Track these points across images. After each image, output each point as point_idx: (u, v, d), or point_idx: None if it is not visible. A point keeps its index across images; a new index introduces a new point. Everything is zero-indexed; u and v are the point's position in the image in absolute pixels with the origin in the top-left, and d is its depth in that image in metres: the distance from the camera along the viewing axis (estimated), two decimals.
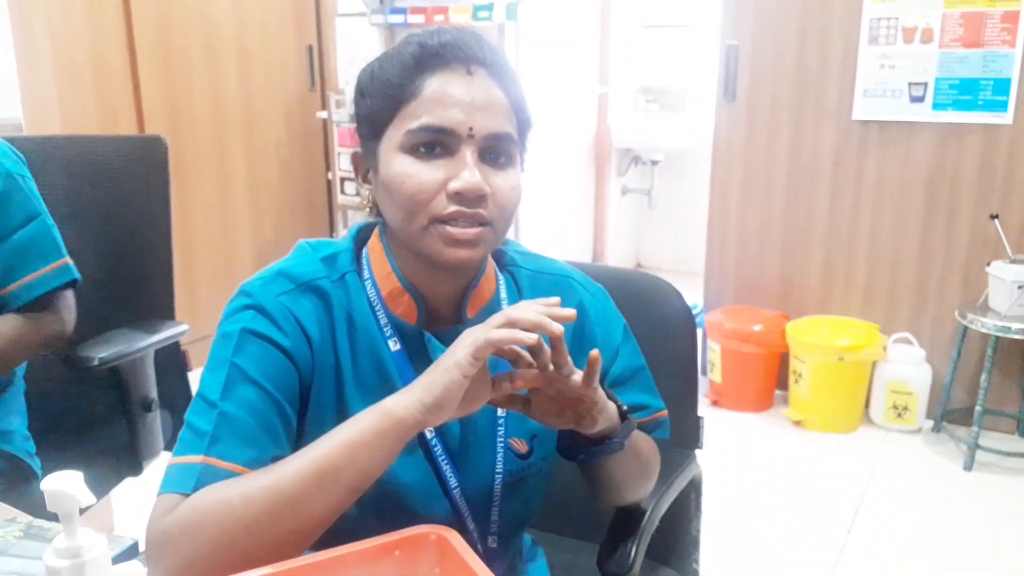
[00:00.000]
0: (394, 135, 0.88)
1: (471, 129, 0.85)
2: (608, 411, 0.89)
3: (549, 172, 4.28)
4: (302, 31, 3.86)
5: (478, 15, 3.61)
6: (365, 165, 0.94)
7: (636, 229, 5.23)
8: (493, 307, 0.96)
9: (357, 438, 0.80)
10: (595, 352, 0.82)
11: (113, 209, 1.75)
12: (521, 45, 3.75)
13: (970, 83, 2.83)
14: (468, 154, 0.86)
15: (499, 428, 0.96)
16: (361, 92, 0.92)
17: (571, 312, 0.81)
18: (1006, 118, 2.80)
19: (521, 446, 0.98)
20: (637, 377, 1.03)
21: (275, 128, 3.79)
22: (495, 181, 0.87)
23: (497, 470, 0.97)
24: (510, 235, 1.01)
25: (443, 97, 0.86)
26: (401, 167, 0.87)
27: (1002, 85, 2.79)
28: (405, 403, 0.80)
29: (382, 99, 0.89)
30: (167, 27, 3.26)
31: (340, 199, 4.00)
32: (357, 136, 0.94)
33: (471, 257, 0.87)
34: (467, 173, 0.85)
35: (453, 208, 0.85)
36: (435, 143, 0.86)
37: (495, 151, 0.88)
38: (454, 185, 0.85)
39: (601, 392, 0.87)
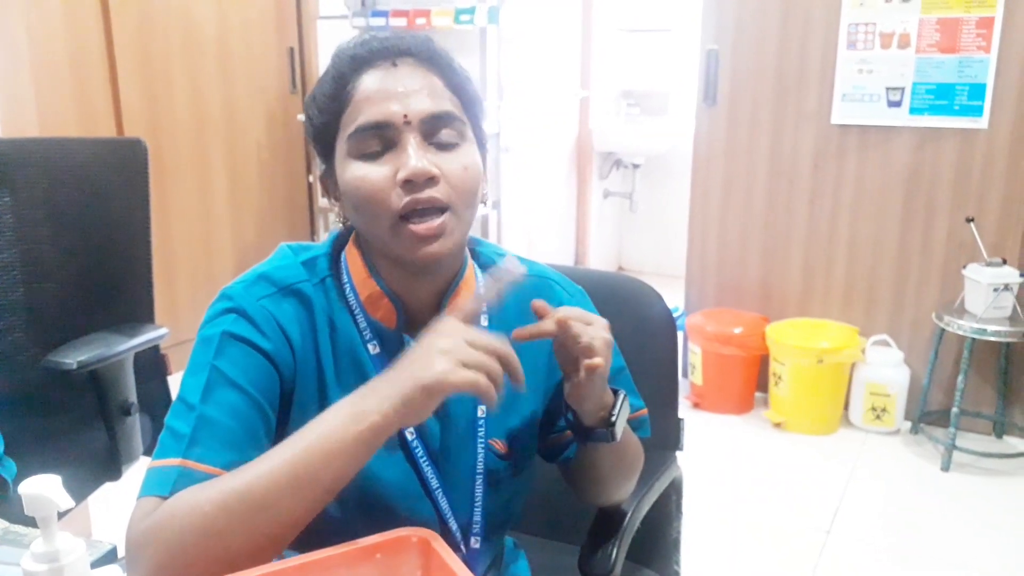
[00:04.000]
0: (341, 145, 0.89)
1: (406, 116, 0.86)
2: (602, 392, 0.91)
3: (531, 175, 4.29)
4: (283, 33, 3.84)
5: (460, 18, 3.62)
6: (330, 183, 0.94)
7: (618, 232, 5.24)
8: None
9: (336, 444, 0.78)
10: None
11: (92, 212, 1.74)
12: (503, 48, 3.75)
13: (946, 88, 2.87)
14: (411, 140, 0.86)
15: (479, 429, 0.97)
16: (308, 115, 0.93)
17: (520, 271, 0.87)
18: (981, 123, 2.84)
19: (501, 447, 0.98)
20: (618, 377, 1.04)
21: (256, 130, 3.77)
22: (444, 162, 0.87)
23: (478, 471, 0.97)
24: (492, 239, 1.02)
25: (372, 94, 0.87)
26: (353, 173, 0.87)
27: (977, 90, 2.82)
28: (382, 408, 0.78)
29: (322, 115, 0.90)
30: (147, 28, 3.24)
31: (321, 202, 3.99)
32: (318, 158, 0.95)
33: (442, 249, 0.87)
34: (411, 160, 0.85)
35: (408, 199, 0.85)
36: (378, 140, 0.87)
37: (439, 132, 0.88)
38: (401, 174, 0.85)
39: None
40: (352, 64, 0.89)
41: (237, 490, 0.78)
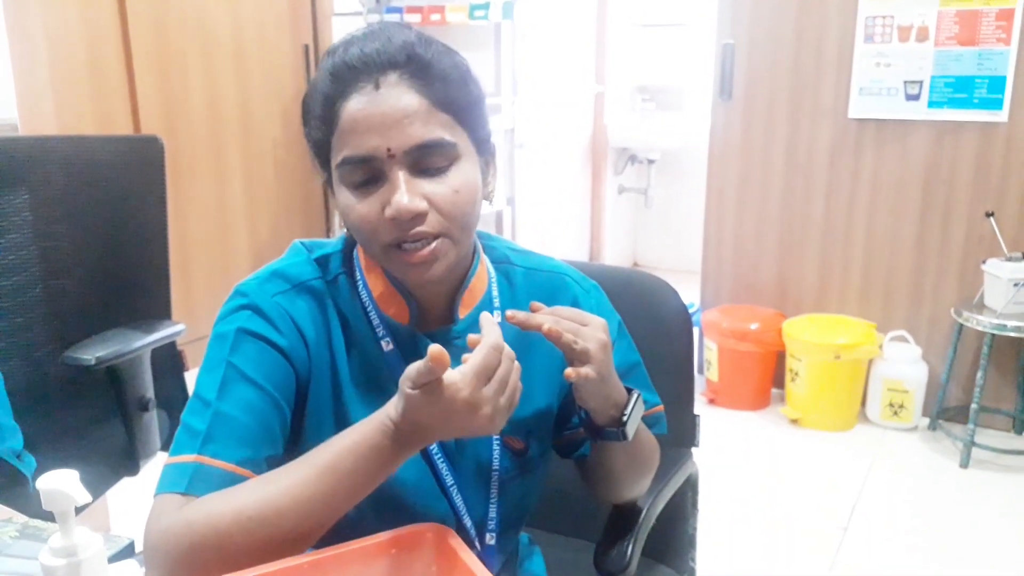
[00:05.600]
0: (334, 169, 0.88)
1: (389, 150, 0.83)
2: (608, 389, 0.90)
3: (546, 171, 4.28)
4: (298, 31, 3.85)
5: (474, 14, 3.61)
6: (331, 188, 0.93)
7: (633, 228, 5.23)
8: (485, 305, 0.96)
9: (363, 464, 0.79)
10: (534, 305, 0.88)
11: (109, 209, 1.75)
12: (517, 44, 3.75)
13: (965, 81, 2.84)
14: (399, 175, 0.83)
15: None
16: (304, 121, 0.91)
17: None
18: (1001, 116, 2.81)
19: (517, 443, 0.98)
20: (633, 373, 1.03)
21: (272, 128, 3.78)
22: (433, 191, 0.85)
23: (494, 467, 0.97)
24: (507, 235, 1.01)
25: (355, 125, 0.84)
26: (344, 201, 0.87)
27: (997, 83, 2.79)
28: (417, 435, 0.79)
29: (315, 131, 0.88)
30: (163, 27, 3.26)
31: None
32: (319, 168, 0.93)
33: (435, 273, 0.87)
34: (396, 197, 0.83)
35: (396, 234, 0.84)
36: (364, 172, 0.85)
37: (426, 160, 0.85)
38: (387, 212, 0.84)
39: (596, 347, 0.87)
40: (335, 86, 0.85)
41: (261, 503, 0.78)
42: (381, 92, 0.83)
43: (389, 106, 0.83)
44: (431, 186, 0.85)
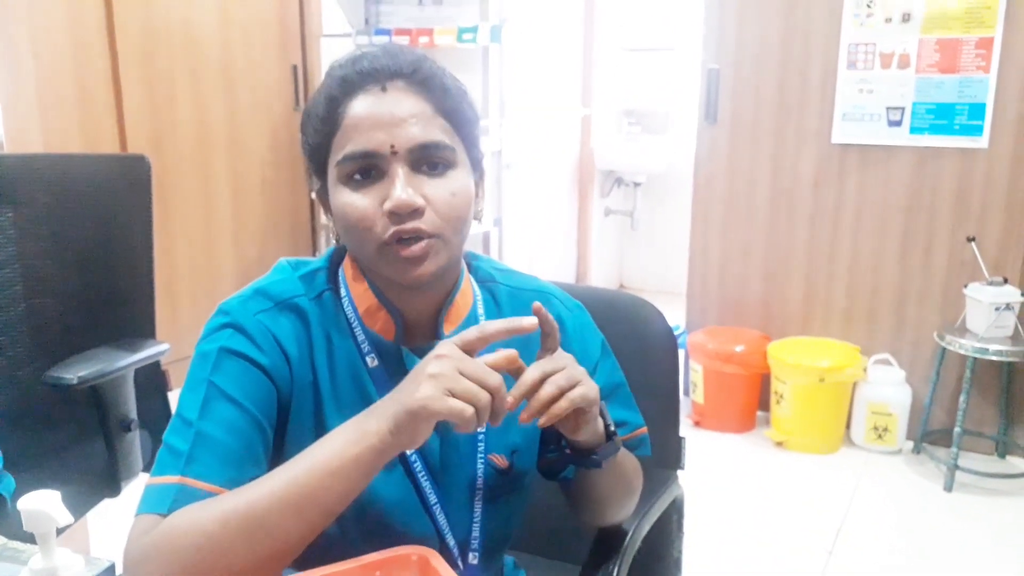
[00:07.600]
0: (332, 170, 0.89)
1: (393, 146, 0.86)
2: (595, 424, 0.89)
3: (533, 193, 4.30)
4: (287, 51, 3.87)
5: (463, 37, 3.64)
6: (324, 200, 0.94)
7: (619, 250, 5.25)
8: (471, 322, 0.96)
9: (337, 464, 0.78)
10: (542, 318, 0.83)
11: (95, 227, 1.74)
12: (505, 67, 3.77)
13: (946, 108, 2.88)
14: (399, 171, 0.86)
15: (479, 444, 0.97)
16: (302, 131, 0.93)
17: (532, 321, 0.81)
18: (982, 142, 2.85)
19: (501, 462, 0.98)
20: (617, 393, 1.04)
21: (259, 148, 3.78)
22: (431, 190, 0.87)
23: (478, 486, 0.97)
24: (493, 256, 1.01)
25: (360, 122, 0.86)
26: (341, 199, 0.88)
27: (977, 110, 2.84)
28: (380, 430, 0.78)
29: (315, 135, 0.90)
30: (151, 45, 3.26)
31: (324, 219, 3.98)
32: (313, 176, 0.94)
33: (428, 271, 0.87)
34: (396, 191, 0.85)
35: (393, 229, 0.85)
36: (367, 168, 0.87)
37: (428, 160, 0.87)
38: (386, 206, 0.85)
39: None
40: (342, 87, 0.88)
41: (238, 509, 0.78)
42: (389, 93, 0.87)
43: (397, 105, 0.86)
44: (430, 186, 0.87)
